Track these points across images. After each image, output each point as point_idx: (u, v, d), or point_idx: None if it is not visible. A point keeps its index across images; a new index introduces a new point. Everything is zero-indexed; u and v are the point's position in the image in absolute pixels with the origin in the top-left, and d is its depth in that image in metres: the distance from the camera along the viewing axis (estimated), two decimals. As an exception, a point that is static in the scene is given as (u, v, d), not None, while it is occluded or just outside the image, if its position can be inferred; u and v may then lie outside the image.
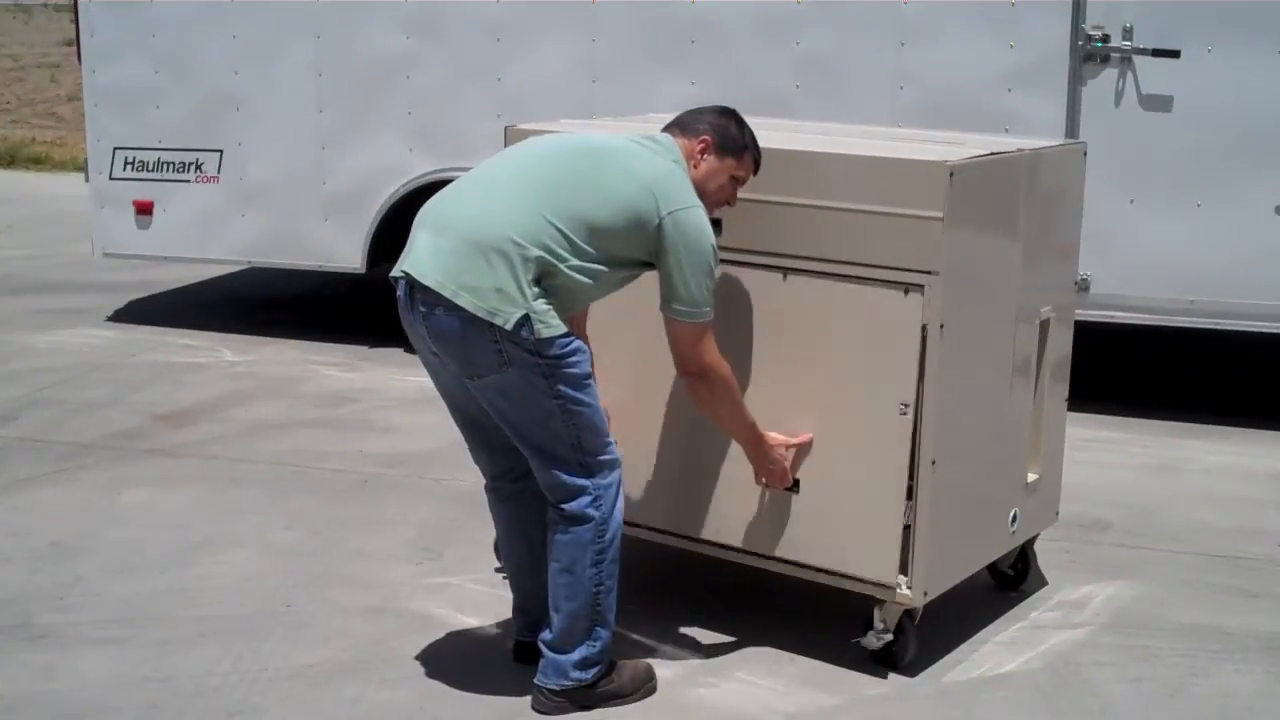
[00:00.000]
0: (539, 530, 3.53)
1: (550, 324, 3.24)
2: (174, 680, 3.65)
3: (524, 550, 3.63)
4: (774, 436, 3.59)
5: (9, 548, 4.49)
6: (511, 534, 3.66)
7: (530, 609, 3.64)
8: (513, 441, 3.42)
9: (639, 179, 3.32)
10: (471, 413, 3.49)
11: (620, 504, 3.45)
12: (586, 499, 3.37)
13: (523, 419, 3.32)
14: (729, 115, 3.58)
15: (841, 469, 3.59)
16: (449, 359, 3.30)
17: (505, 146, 3.71)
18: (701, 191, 3.46)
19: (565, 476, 3.36)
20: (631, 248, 3.33)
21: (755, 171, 3.61)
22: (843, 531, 3.60)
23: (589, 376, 3.34)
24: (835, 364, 3.60)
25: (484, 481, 3.66)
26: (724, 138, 3.53)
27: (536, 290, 3.22)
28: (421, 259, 3.27)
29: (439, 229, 3.30)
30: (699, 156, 3.51)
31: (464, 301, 3.19)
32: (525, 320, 3.19)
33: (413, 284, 3.27)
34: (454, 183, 3.44)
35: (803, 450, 3.63)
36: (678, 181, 3.38)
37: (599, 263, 3.30)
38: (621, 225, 3.29)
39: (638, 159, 3.39)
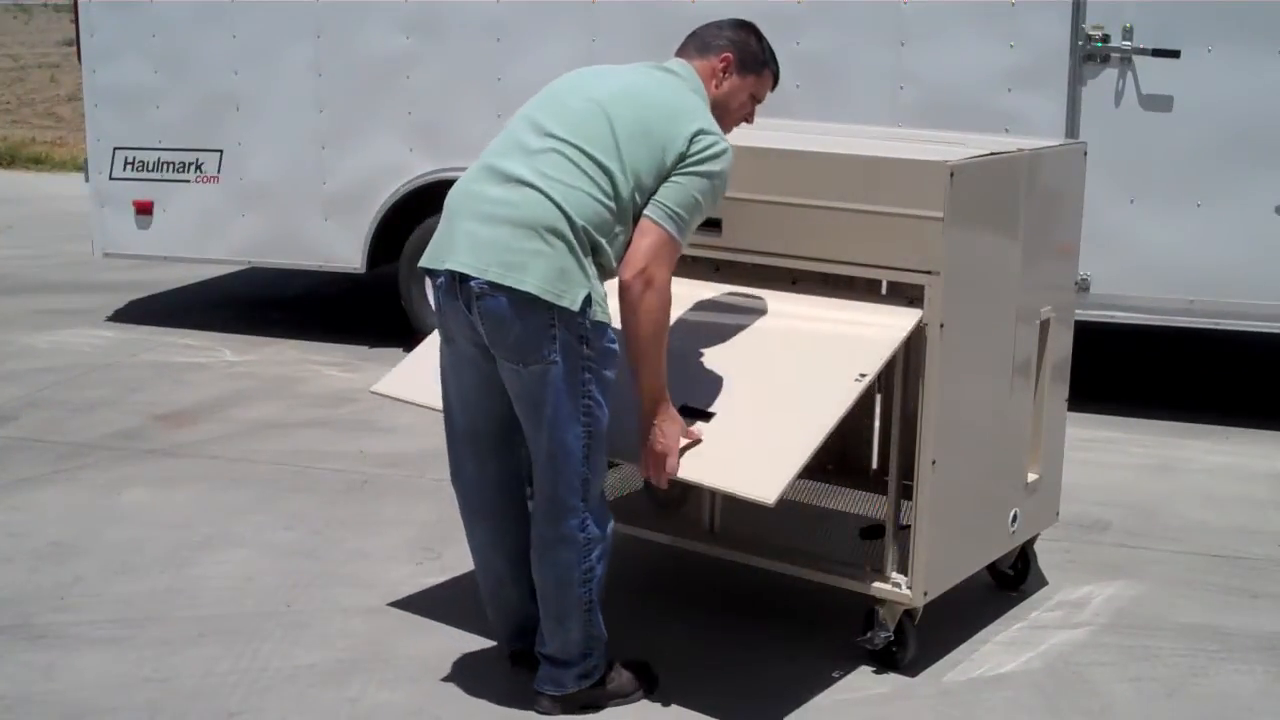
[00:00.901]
0: (516, 542, 3.48)
1: (605, 310, 3.21)
2: (174, 680, 3.65)
3: (503, 564, 3.55)
4: (675, 411, 3.33)
5: (9, 548, 4.49)
6: (491, 547, 3.55)
7: (514, 619, 3.60)
8: (522, 445, 3.37)
9: (665, 112, 3.25)
10: (480, 416, 3.41)
11: (608, 522, 3.38)
12: (576, 521, 3.31)
13: (552, 416, 3.22)
14: (749, 29, 3.51)
15: (768, 409, 3.41)
16: (499, 345, 3.20)
17: None
18: (723, 111, 3.41)
19: (565, 489, 3.29)
20: (653, 181, 3.24)
21: (774, 87, 3.55)
22: (741, 454, 3.34)
23: (614, 386, 3.29)
24: (812, 344, 3.55)
25: (459, 497, 3.56)
26: (745, 53, 3.46)
27: (594, 270, 3.19)
28: (468, 251, 3.17)
29: (482, 218, 3.19)
30: (720, 75, 3.44)
31: (531, 286, 3.10)
32: (588, 301, 3.15)
33: (463, 276, 3.18)
34: (482, 164, 3.30)
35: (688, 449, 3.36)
36: (703, 112, 3.32)
37: (630, 229, 3.23)
38: (654, 175, 3.21)
39: (661, 96, 3.30)
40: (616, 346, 3.27)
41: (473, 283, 3.16)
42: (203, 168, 7.14)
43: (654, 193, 3.23)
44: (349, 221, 6.87)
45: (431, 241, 3.32)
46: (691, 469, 3.34)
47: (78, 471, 5.22)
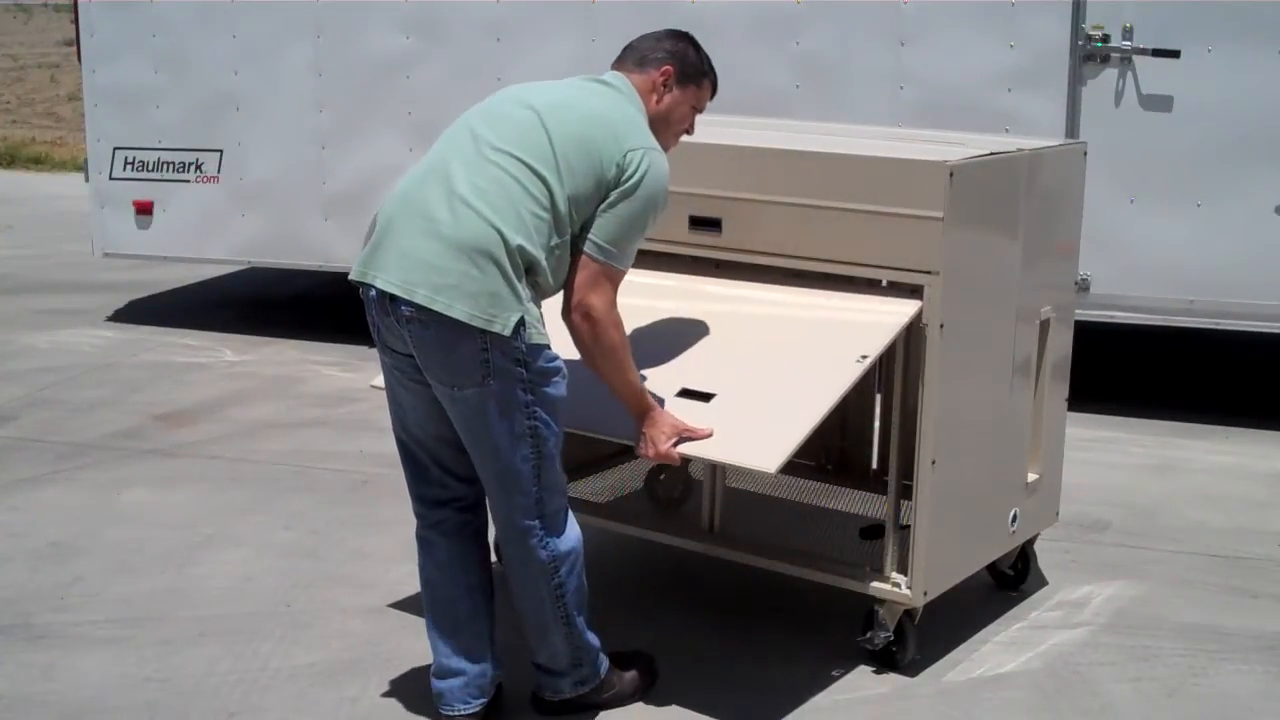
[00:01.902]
0: (479, 573, 3.40)
1: (541, 330, 3.13)
2: (174, 680, 3.65)
3: (464, 597, 3.39)
4: (665, 414, 3.32)
5: (9, 548, 4.49)
6: (452, 577, 3.39)
7: (471, 670, 3.36)
8: (471, 468, 3.27)
9: (601, 125, 3.18)
10: (430, 432, 3.30)
11: (572, 534, 3.31)
12: (535, 540, 3.25)
13: (494, 439, 3.15)
14: (686, 40, 3.44)
15: (769, 388, 3.42)
16: (431, 368, 3.13)
17: None
18: (664, 124, 3.35)
19: (518, 512, 3.22)
20: (592, 204, 3.17)
21: (713, 95, 3.48)
22: (743, 430, 3.34)
23: (563, 401, 3.21)
24: (814, 328, 3.55)
25: (421, 522, 3.42)
26: (684, 64, 3.38)
27: (529, 292, 3.11)
28: (398, 267, 3.10)
29: (415, 233, 3.12)
30: (661, 89, 3.36)
31: (459, 313, 3.03)
32: (521, 324, 3.06)
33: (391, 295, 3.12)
34: (414, 176, 3.25)
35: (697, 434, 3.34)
36: (639, 127, 3.25)
37: (569, 241, 3.16)
38: (591, 187, 3.15)
39: (597, 107, 3.23)
40: (559, 364, 3.19)
41: (401, 306, 3.10)
42: (203, 168, 7.14)
43: (591, 217, 3.18)
44: (349, 221, 6.87)
45: (364, 249, 3.23)
46: (692, 444, 3.32)
47: (78, 471, 5.22)
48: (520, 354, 3.10)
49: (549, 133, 3.17)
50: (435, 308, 3.05)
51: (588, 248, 3.18)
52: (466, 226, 3.07)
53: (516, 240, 3.07)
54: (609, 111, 3.26)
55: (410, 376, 3.23)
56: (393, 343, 3.21)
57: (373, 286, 3.17)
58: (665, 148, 3.32)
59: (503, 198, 3.09)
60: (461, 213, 3.09)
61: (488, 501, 3.32)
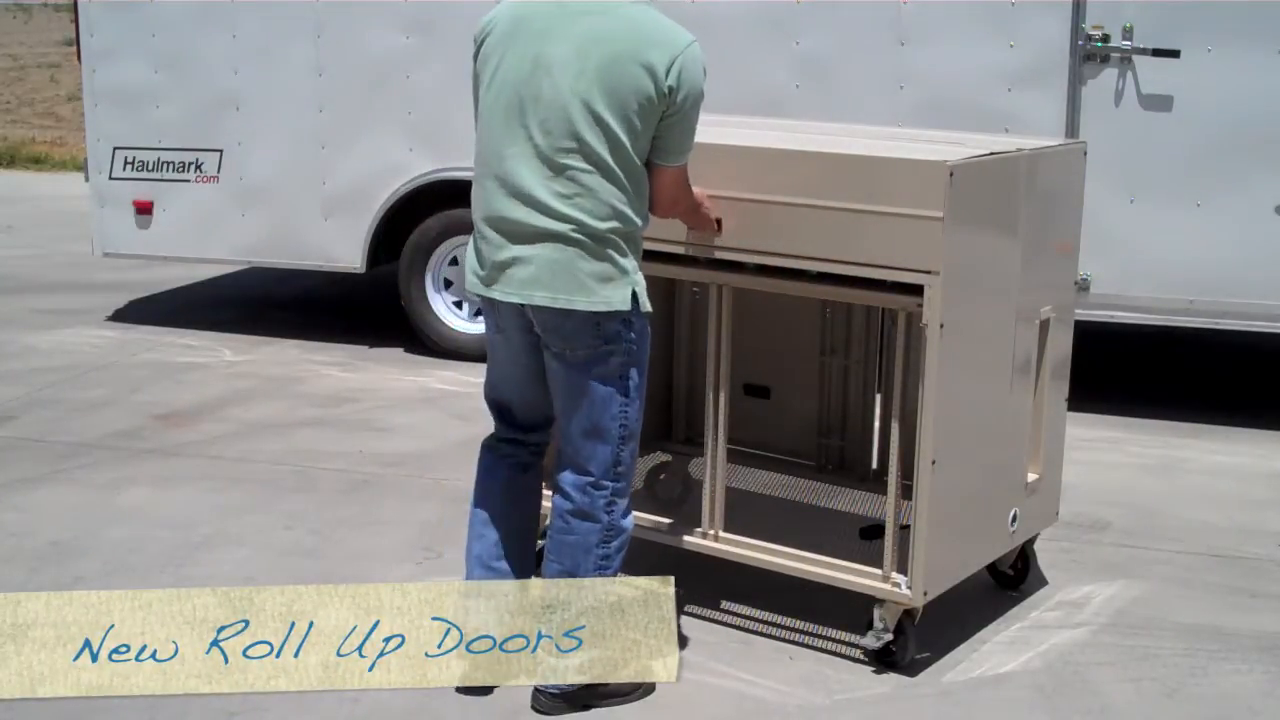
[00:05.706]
0: (532, 501, 3.59)
1: (646, 297, 3.34)
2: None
3: (515, 516, 3.60)
4: (701, 193, 3.60)
5: (9, 548, 4.49)
6: (508, 498, 3.59)
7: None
8: (550, 419, 3.54)
9: (628, 56, 3.22)
10: (526, 398, 3.52)
11: (631, 521, 3.48)
12: (603, 499, 3.39)
13: (592, 396, 3.34)
14: None
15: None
16: (548, 331, 3.33)
17: None
18: None
19: (598, 468, 3.39)
20: (651, 122, 3.28)
21: None
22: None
23: (646, 363, 3.42)
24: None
25: (497, 444, 3.61)
26: None
27: (634, 261, 3.32)
28: (513, 282, 3.30)
29: (516, 244, 3.29)
30: None
31: (580, 305, 3.25)
32: (634, 295, 3.29)
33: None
34: (494, 175, 3.32)
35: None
36: (659, 26, 3.29)
37: (644, 170, 3.34)
38: (647, 116, 3.26)
39: (614, 31, 3.25)
40: (649, 331, 3.41)
41: (523, 306, 3.32)
42: (202, 167, 7.13)
43: (653, 130, 3.29)
44: (349, 221, 6.87)
45: (469, 261, 3.42)
46: None
47: (78, 471, 5.22)
48: (629, 316, 3.31)
49: (590, 104, 3.23)
50: (557, 305, 3.26)
51: (665, 159, 3.36)
52: (562, 229, 3.25)
53: (610, 224, 3.26)
54: (627, 27, 3.26)
55: (527, 340, 3.41)
56: (506, 322, 3.43)
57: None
58: None
59: (585, 195, 3.25)
60: (553, 223, 3.25)
61: (567, 457, 3.44)
